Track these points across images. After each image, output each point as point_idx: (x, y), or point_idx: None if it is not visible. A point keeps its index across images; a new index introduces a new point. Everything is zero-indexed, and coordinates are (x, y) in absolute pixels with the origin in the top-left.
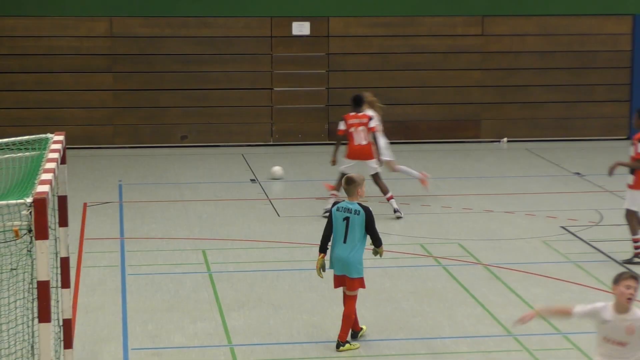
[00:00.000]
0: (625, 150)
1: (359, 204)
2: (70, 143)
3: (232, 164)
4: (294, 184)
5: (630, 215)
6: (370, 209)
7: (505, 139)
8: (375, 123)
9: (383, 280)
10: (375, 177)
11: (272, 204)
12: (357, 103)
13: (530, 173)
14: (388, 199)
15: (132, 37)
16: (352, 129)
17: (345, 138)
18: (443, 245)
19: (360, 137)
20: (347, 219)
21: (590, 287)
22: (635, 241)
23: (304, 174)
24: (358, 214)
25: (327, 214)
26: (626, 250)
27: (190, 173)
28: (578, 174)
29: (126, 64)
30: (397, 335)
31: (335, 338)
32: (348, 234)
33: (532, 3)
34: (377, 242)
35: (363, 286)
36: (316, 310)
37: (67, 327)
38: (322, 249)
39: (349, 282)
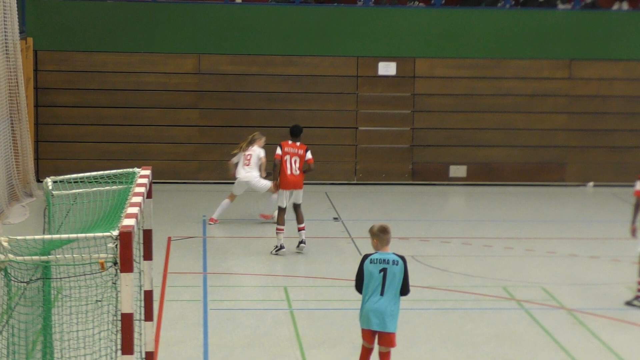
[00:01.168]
0: None
1: (395, 254)
2: (156, 178)
3: (316, 202)
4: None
5: None
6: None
7: (591, 183)
8: (310, 155)
9: (464, 322)
10: (298, 207)
11: (354, 242)
12: (295, 133)
13: (617, 218)
14: (300, 229)
15: (219, 74)
16: (286, 157)
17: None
18: (526, 288)
19: (293, 168)
20: (384, 270)
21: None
22: None
23: (386, 214)
24: (397, 264)
25: (278, 250)
26: None
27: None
28: None
29: (212, 101)
30: None
31: None
32: (386, 285)
33: (619, 48)
34: (406, 292)
35: (394, 344)
36: (395, 350)
37: (150, 359)
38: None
39: (382, 338)
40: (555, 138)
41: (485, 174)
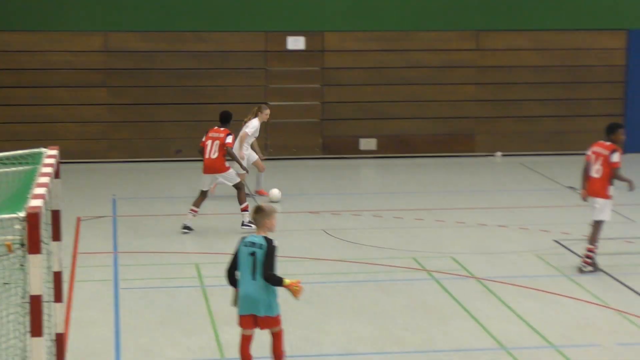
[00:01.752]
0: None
1: (264, 237)
2: (65, 157)
3: None
4: (287, 198)
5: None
6: (275, 244)
7: (499, 153)
8: (231, 140)
9: (376, 294)
10: (238, 187)
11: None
12: (224, 119)
13: (524, 187)
14: (242, 209)
15: (127, 52)
16: (208, 142)
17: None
18: (437, 258)
19: (211, 151)
20: (253, 254)
21: (583, 300)
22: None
23: (297, 188)
24: (262, 248)
25: (185, 230)
26: (618, 263)
27: (185, 187)
28: (572, 187)
29: (121, 79)
30: (391, 349)
31: (329, 352)
32: (256, 269)
33: (527, 18)
34: (267, 278)
35: (280, 323)
36: (309, 324)
37: (60, 341)
38: (233, 283)
39: (264, 322)
40: (465, 109)
41: (395, 146)
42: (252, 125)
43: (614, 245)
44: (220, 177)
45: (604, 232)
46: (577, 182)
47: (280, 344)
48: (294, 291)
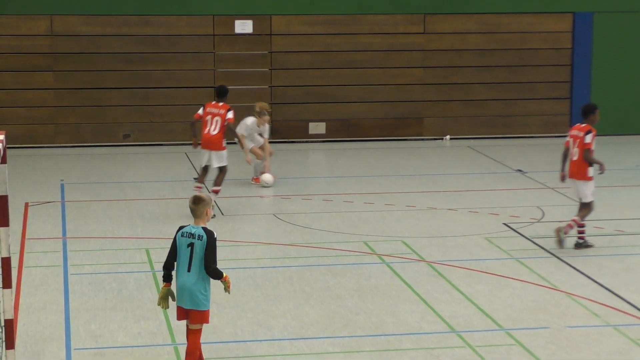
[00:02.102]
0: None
1: (204, 228)
2: (11, 142)
3: (175, 163)
4: (237, 182)
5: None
6: (215, 235)
7: (448, 137)
8: (232, 115)
9: (327, 278)
10: (222, 170)
11: (215, 203)
12: (220, 94)
13: (473, 170)
14: (214, 191)
15: (73, 36)
16: (207, 117)
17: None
18: (387, 242)
19: (212, 127)
20: (191, 245)
21: (532, 283)
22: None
23: (246, 173)
24: (201, 239)
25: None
26: (567, 246)
27: (133, 172)
28: (520, 170)
29: (67, 63)
30: (341, 333)
31: (280, 336)
32: (192, 261)
33: (473, 1)
34: (209, 272)
35: (207, 321)
36: (260, 308)
37: (9, 327)
38: (167, 278)
39: (192, 315)
40: (412, 93)
41: (344, 130)
42: (243, 124)
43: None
44: (213, 154)
45: (557, 214)
46: (525, 165)
47: (195, 342)
48: (228, 285)
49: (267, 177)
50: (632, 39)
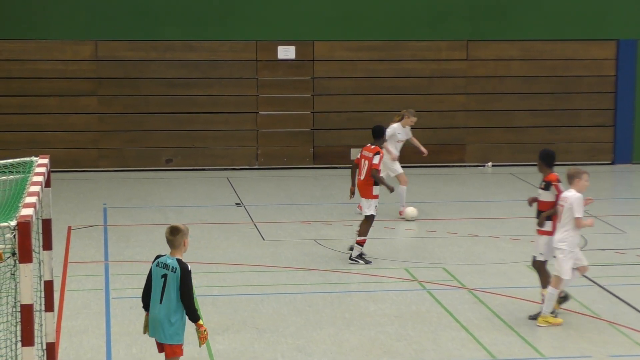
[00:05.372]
0: (610, 175)
1: (178, 260)
2: (55, 166)
3: (217, 188)
4: (278, 208)
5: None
6: (189, 268)
7: (490, 163)
8: (377, 160)
9: (367, 304)
10: (369, 219)
11: (257, 227)
12: (376, 134)
13: (515, 197)
14: (358, 242)
15: (118, 61)
16: (361, 160)
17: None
18: (427, 269)
19: (360, 172)
20: (165, 276)
21: (574, 312)
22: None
23: (288, 198)
24: (174, 272)
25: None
26: (610, 274)
27: (175, 196)
28: None
29: (111, 87)
30: (381, 359)
31: None
32: (164, 293)
33: (516, 28)
34: (189, 314)
35: (179, 354)
36: (300, 333)
37: (51, 350)
38: (146, 308)
39: (165, 348)
40: (454, 119)
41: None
42: (391, 128)
43: (605, 255)
44: (363, 201)
45: (601, 242)
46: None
47: None
48: (201, 337)
49: (412, 211)
50: None
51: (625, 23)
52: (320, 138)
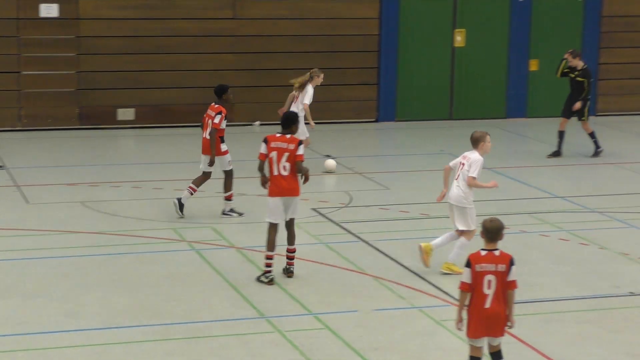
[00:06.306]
0: (375, 133)
1: None
2: None
3: None
4: (44, 170)
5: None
6: None
7: (258, 122)
8: (218, 119)
9: (136, 266)
10: (228, 173)
11: (20, 190)
12: (218, 93)
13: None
14: (226, 197)
15: None
16: (206, 119)
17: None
18: (196, 229)
19: (204, 130)
20: None
21: (341, 268)
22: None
23: (55, 160)
24: None
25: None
26: (374, 230)
27: None
28: (329, 156)
29: None
30: (151, 321)
31: (89, 326)
32: None
33: None
34: None
35: None
36: (68, 297)
37: None
38: None
39: None
40: (224, 78)
41: (154, 116)
42: (310, 94)
43: (370, 211)
44: (204, 158)
45: (366, 198)
46: (333, 150)
47: None
48: None
49: (331, 162)
50: (435, 23)
51: None
52: (86, 98)
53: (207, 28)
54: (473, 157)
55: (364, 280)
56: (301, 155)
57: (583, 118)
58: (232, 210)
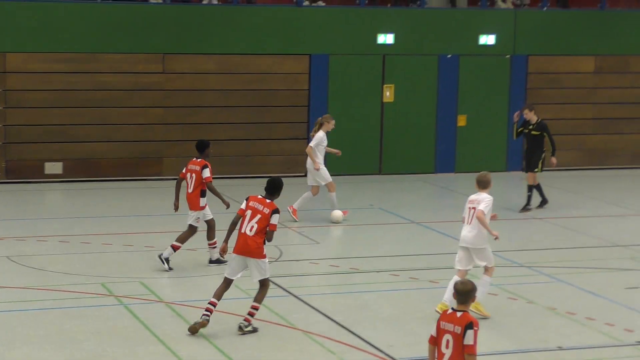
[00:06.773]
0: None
1: None
2: None
3: None
4: None
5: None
6: None
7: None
8: (208, 172)
9: (64, 321)
10: (210, 224)
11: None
12: (200, 149)
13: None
14: (210, 245)
15: None
16: (187, 175)
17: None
18: (125, 283)
19: (188, 185)
20: None
21: (271, 323)
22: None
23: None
24: None
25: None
26: (304, 284)
27: None
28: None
29: None
30: None
31: None
32: None
33: (212, 42)
34: None
35: None
36: None
37: None
38: None
39: None
40: (153, 132)
41: (83, 170)
42: (317, 137)
43: (300, 266)
44: (193, 214)
45: (296, 252)
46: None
47: None
48: None
49: (338, 213)
50: (364, 79)
51: (317, 38)
52: (13, 152)
53: (137, 82)
54: (483, 196)
55: (294, 334)
56: (274, 225)
57: (536, 170)
58: (218, 259)
